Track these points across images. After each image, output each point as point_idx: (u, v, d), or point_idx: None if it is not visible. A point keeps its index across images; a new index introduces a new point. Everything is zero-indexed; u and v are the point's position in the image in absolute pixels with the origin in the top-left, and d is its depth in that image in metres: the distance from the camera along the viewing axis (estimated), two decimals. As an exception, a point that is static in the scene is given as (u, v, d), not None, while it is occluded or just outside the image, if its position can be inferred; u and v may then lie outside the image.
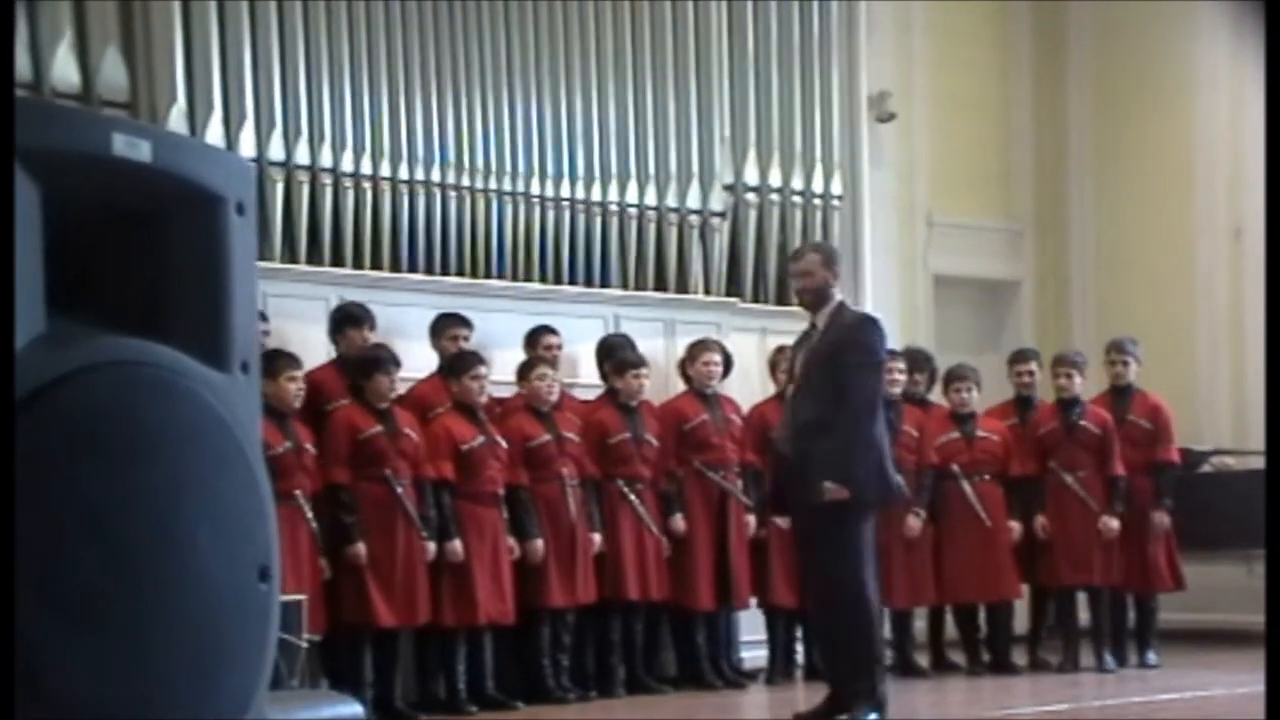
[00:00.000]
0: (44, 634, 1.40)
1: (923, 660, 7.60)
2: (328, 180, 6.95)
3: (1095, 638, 7.49)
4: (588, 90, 7.73)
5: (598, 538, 6.82)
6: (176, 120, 6.46)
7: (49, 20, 6.33)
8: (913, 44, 9.52)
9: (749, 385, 7.57)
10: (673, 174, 8.00)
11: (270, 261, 6.56)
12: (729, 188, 8.20)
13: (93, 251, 1.57)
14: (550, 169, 7.59)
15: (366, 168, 7.04)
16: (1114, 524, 7.38)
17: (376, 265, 7.04)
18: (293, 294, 6.62)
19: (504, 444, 6.62)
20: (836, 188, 8.49)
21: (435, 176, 7.23)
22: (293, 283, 6.66)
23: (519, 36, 7.53)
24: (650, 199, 7.90)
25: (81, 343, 1.49)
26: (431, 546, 6.35)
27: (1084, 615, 7.59)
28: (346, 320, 6.53)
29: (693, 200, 8.03)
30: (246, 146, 6.66)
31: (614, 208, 7.79)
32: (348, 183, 7.00)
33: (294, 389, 6.11)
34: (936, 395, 7.85)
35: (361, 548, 6.20)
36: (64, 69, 6.32)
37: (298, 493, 6.05)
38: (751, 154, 8.29)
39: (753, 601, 7.29)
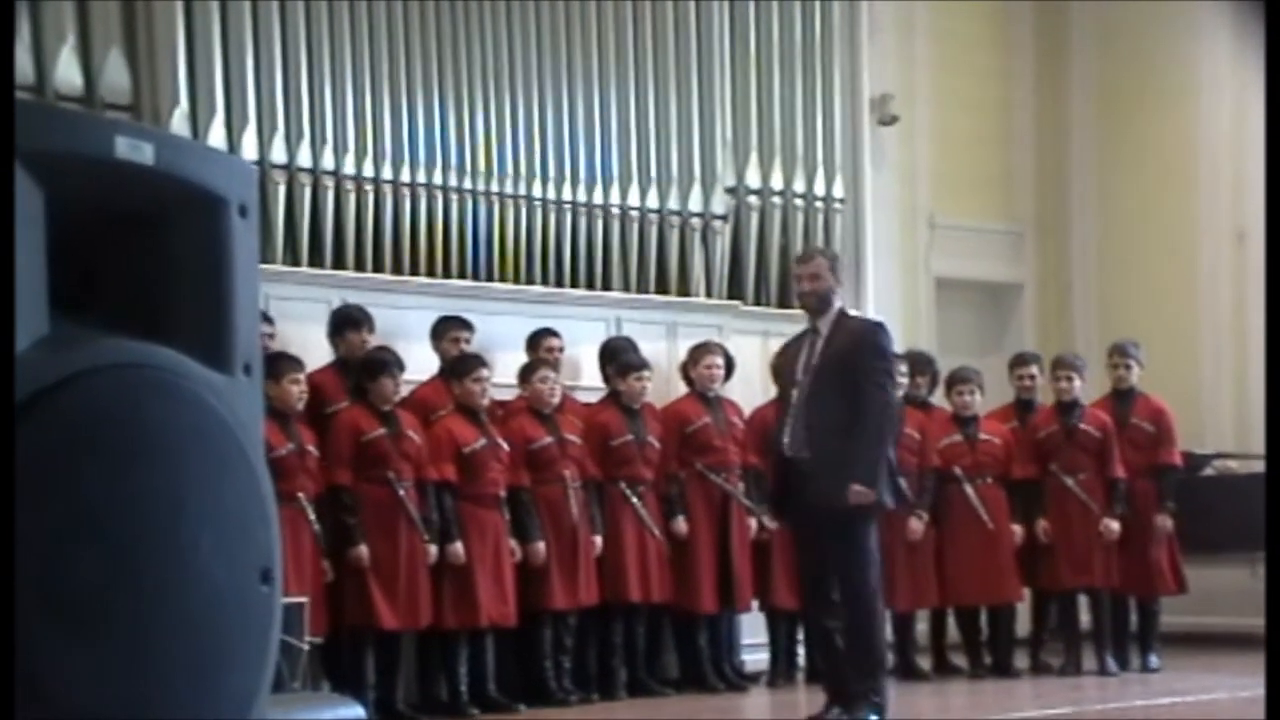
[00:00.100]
0: (44, 635, 1.40)
1: (924, 663, 7.59)
2: (329, 183, 6.95)
3: (1096, 640, 7.49)
4: (589, 93, 7.73)
5: (599, 540, 6.82)
6: (179, 123, 6.47)
7: (52, 22, 6.33)
8: (915, 46, 9.52)
9: (750, 388, 7.57)
10: (674, 176, 8.00)
11: (272, 264, 6.57)
12: (731, 190, 8.20)
13: (95, 254, 1.57)
14: (552, 171, 7.59)
15: (368, 170, 7.04)
16: (1115, 526, 7.38)
17: (378, 268, 7.05)
18: (294, 296, 6.63)
19: (506, 446, 6.62)
20: (838, 190, 8.49)
21: (437, 179, 7.24)
22: (294, 285, 6.67)
23: (521, 39, 7.53)
24: (652, 201, 7.91)
25: (84, 345, 1.49)
26: (433, 549, 6.35)
27: (1085, 618, 7.59)
28: (346, 323, 6.54)
29: (694, 203, 8.03)
30: (249, 149, 6.66)
31: (616, 210, 7.79)
32: (349, 185, 7.00)
33: (297, 391, 6.12)
34: (938, 398, 7.85)
35: (364, 550, 6.20)
36: (67, 71, 6.33)
37: (300, 495, 6.06)
38: (753, 156, 8.29)
39: (754, 604, 7.29)
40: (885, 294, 8.94)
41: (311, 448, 6.18)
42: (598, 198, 7.73)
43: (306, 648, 5.32)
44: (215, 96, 6.64)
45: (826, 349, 5.53)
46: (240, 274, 1.64)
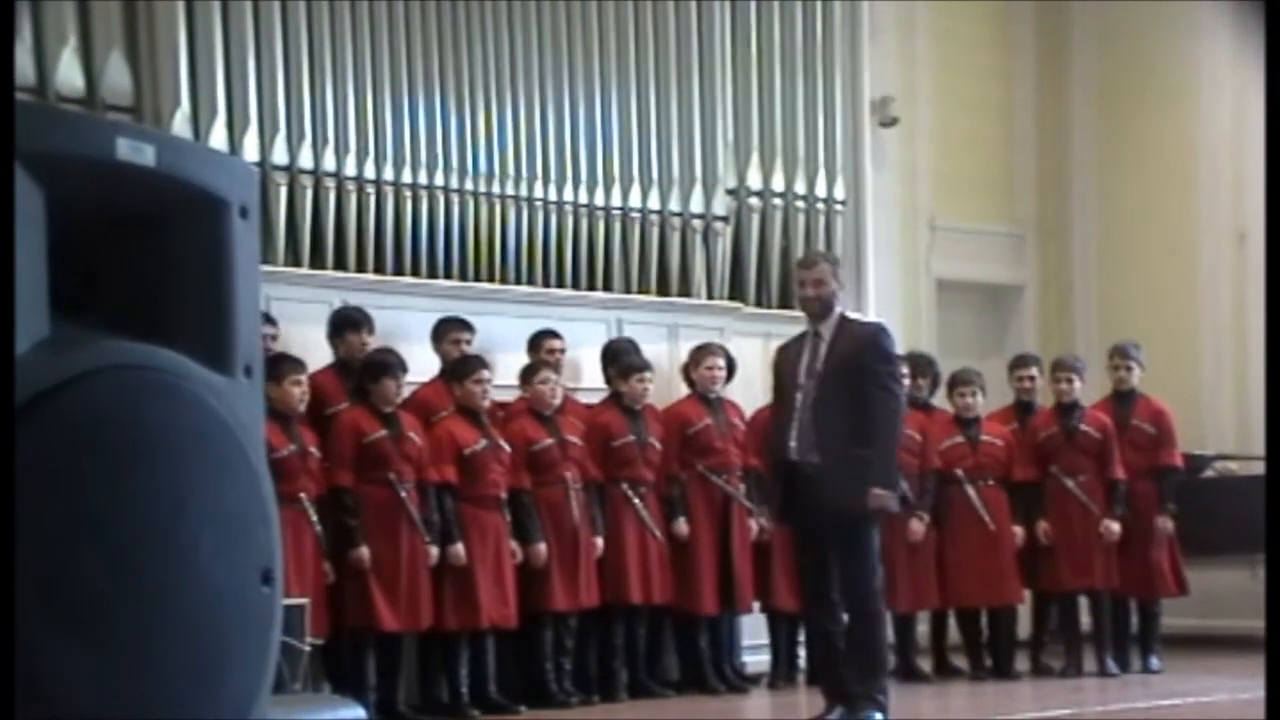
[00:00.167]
0: (45, 636, 1.40)
1: (925, 665, 7.59)
2: (331, 184, 6.96)
3: (1097, 642, 7.48)
4: (590, 94, 7.73)
5: (599, 541, 6.82)
6: (180, 124, 6.47)
7: (53, 24, 6.34)
8: (915, 47, 9.51)
9: (752, 389, 7.57)
10: (675, 178, 8.00)
11: (273, 265, 6.57)
12: (732, 192, 8.20)
13: (96, 255, 1.57)
14: (553, 173, 7.60)
15: (369, 172, 7.05)
16: (1115, 527, 7.38)
17: (379, 269, 7.05)
18: (295, 297, 6.63)
19: (507, 448, 6.63)
20: (839, 192, 8.49)
21: (438, 180, 7.24)
22: (295, 286, 6.67)
23: (521, 40, 7.54)
24: (653, 203, 7.91)
25: (85, 347, 1.50)
26: (434, 550, 6.35)
27: (1085, 620, 7.59)
28: (345, 324, 6.54)
29: (695, 204, 8.03)
30: (250, 150, 6.67)
31: (617, 212, 7.79)
32: (350, 186, 7.00)
33: (298, 393, 6.12)
34: (938, 399, 7.84)
35: (365, 551, 6.20)
36: (68, 73, 6.33)
37: (302, 495, 6.06)
38: (754, 158, 8.29)
39: (755, 605, 7.29)
40: (886, 295, 8.94)
41: (313, 449, 6.18)
42: (599, 199, 7.73)
43: (307, 649, 5.32)
44: (216, 98, 6.64)
45: (831, 353, 5.55)
46: (241, 275, 1.64)
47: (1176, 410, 7.77)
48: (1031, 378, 7.77)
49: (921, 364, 7.72)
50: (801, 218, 8.36)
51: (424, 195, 7.20)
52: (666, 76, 8.00)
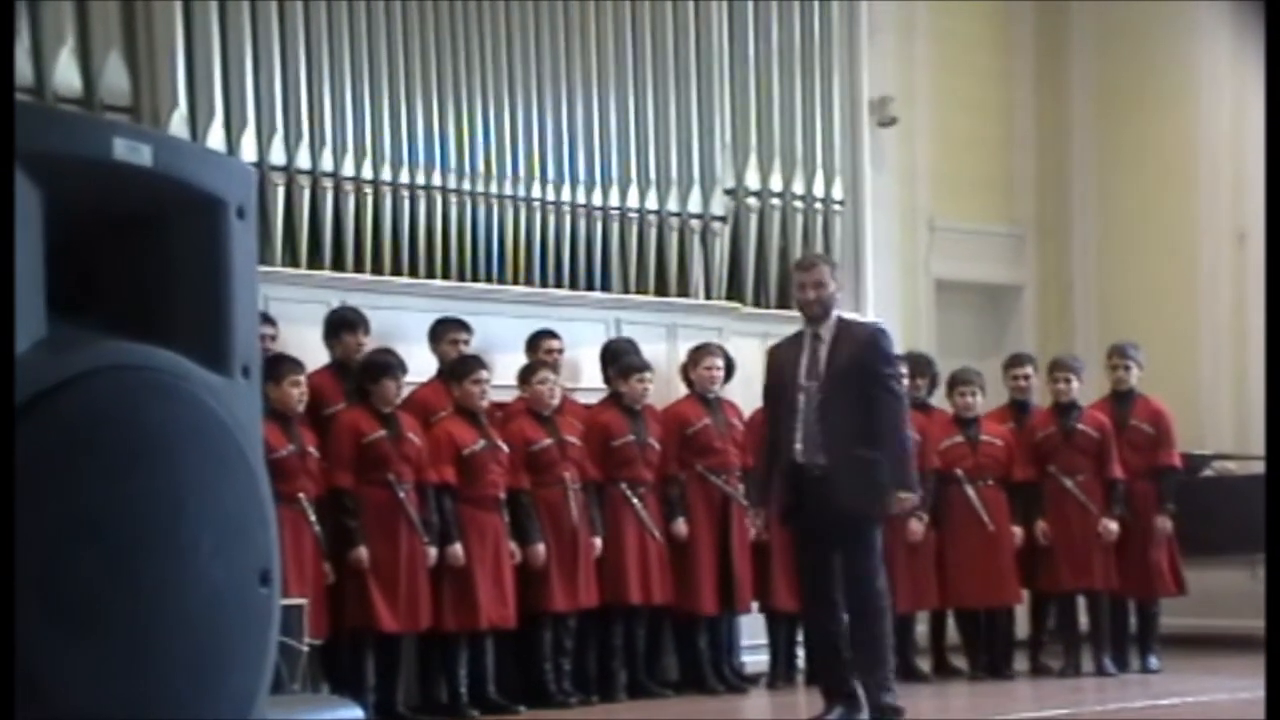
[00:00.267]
0: (43, 636, 1.40)
1: (924, 665, 7.59)
2: (329, 184, 6.96)
3: (1095, 642, 7.49)
4: (589, 94, 7.73)
5: (598, 541, 6.82)
6: (178, 125, 6.47)
7: (51, 24, 6.33)
8: (914, 47, 9.51)
9: (750, 389, 7.56)
10: (674, 178, 8.00)
11: (271, 265, 6.57)
12: (730, 192, 8.20)
13: (93, 256, 1.57)
14: (551, 173, 7.60)
15: (367, 172, 7.05)
16: (1113, 527, 7.38)
17: (377, 269, 7.05)
18: (293, 298, 6.63)
19: (505, 448, 6.62)
20: (838, 192, 8.49)
21: (436, 181, 7.24)
22: (293, 286, 6.67)
23: (520, 40, 7.53)
24: (651, 203, 7.91)
25: (82, 347, 1.49)
26: (433, 551, 6.35)
27: (1083, 620, 7.59)
28: (341, 325, 6.54)
29: (694, 204, 8.03)
30: (248, 151, 6.66)
31: (615, 212, 7.79)
32: (348, 187, 7.00)
33: (297, 394, 6.12)
34: (937, 399, 7.84)
35: (364, 552, 6.20)
36: (66, 73, 6.33)
37: (301, 496, 6.06)
38: (752, 158, 8.29)
39: (754, 605, 7.29)
40: (885, 296, 8.94)
41: (312, 449, 6.18)
42: (597, 199, 7.73)
43: (306, 649, 5.32)
44: (214, 99, 6.64)
45: (833, 355, 5.57)
46: (239, 276, 1.64)
47: (1175, 410, 7.78)
48: (1026, 376, 7.77)
49: (920, 364, 7.72)
50: (800, 218, 8.36)
51: (421, 195, 7.20)
52: (664, 76, 8.00)
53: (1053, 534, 7.45)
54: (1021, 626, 7.77)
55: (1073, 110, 10.03)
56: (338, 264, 6.97)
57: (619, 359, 7.14)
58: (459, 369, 6.63)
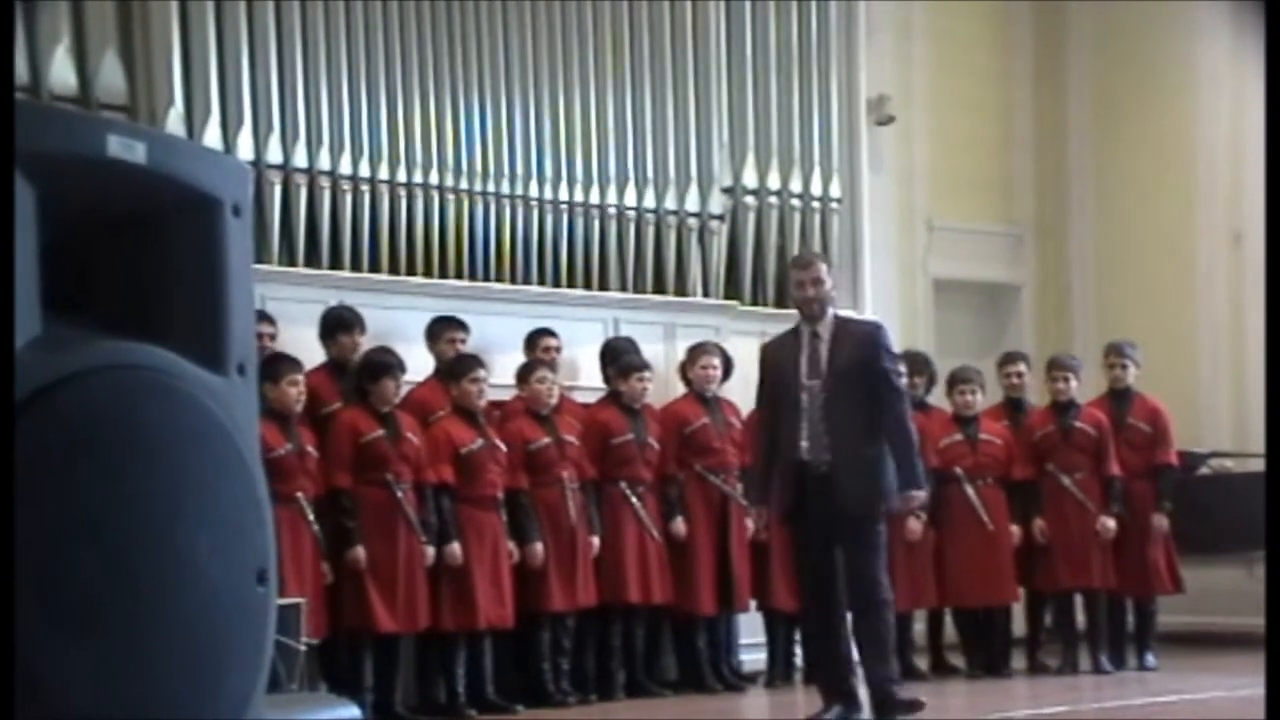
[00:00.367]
0: (41, 636, 1.40)
1: (922, 663, 7.59)
2: (326, 183, 6.95)
3: (1091, 641, 7.49)
4: (586, 93, 7.73)
5: (596, 540, 6.82)
6: (174, 123, 6.46)
7: (47, 23, 6.33)
8: (912, 47, 9.51)
9: (749, 388, 7.54)
10: (671, 177, 7.99)
11: (268, 264, 6.56)
12: (728, 191, 8.20)
13: (89, 254, 1.57)
14: (549, 172, 7.59)
15: (364, 171, 7.04)
16: (1111, 525, 7.38)
17: (375, 268, 7.04)
18: (290, 297, 6.62)
19: (503, 448, 6.62)
20: (835, 191, 8.48)
21: (434, 179, 7.23)
22: (290, 286, 6.66)
23: (517, 39, 7.53)
24: (649, 202, 7.90)
25: (78, 346, 1.49)
26: (431, 551, 6.35)
27: (1080, 618, 7.59)
28: (337, 325, 6.53)
29: (691, 203, 8.03)
30: (244, 149, 6.65)
31: (613, 211, 7.78)
32: (345, 185, 6.99)
33: (295, 393, 6.11)
34: (935, 398, 7.84)
35: (361, 552, 6.20)
36: (61, 72, 6.32)
37: (299, 495, 6.05)
38: (750, 157, 8.29)
39: (752, 605, 7.28)
40: (883, 295, 8.94)
41: (311, 449, 6.17)
42: (595, 198, 7.73)
43: (303, 649, 5.31)
44: (210, 97, 6.63)
45: (834, 354, 5.57)
46: (234, 274, 1.64)
47: (1173, 409, 7.78)
48: (1019, 374, 7.78)
49: (918, 363, 7.72)
50: (797, 217, 8.35)
51: (419, 194, 7.19)
52: (662, 75, 7.99)
53: (1051, 532, 7.45)
54: (1017, 625, 7.77)
55: (1071, 110, 10.04)
56: (335, 263, 6.96)
57: (618, 358, 7.13)
58: (457, 368, 6.62)
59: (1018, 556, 7.53)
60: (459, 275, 7.27)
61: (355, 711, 2.33)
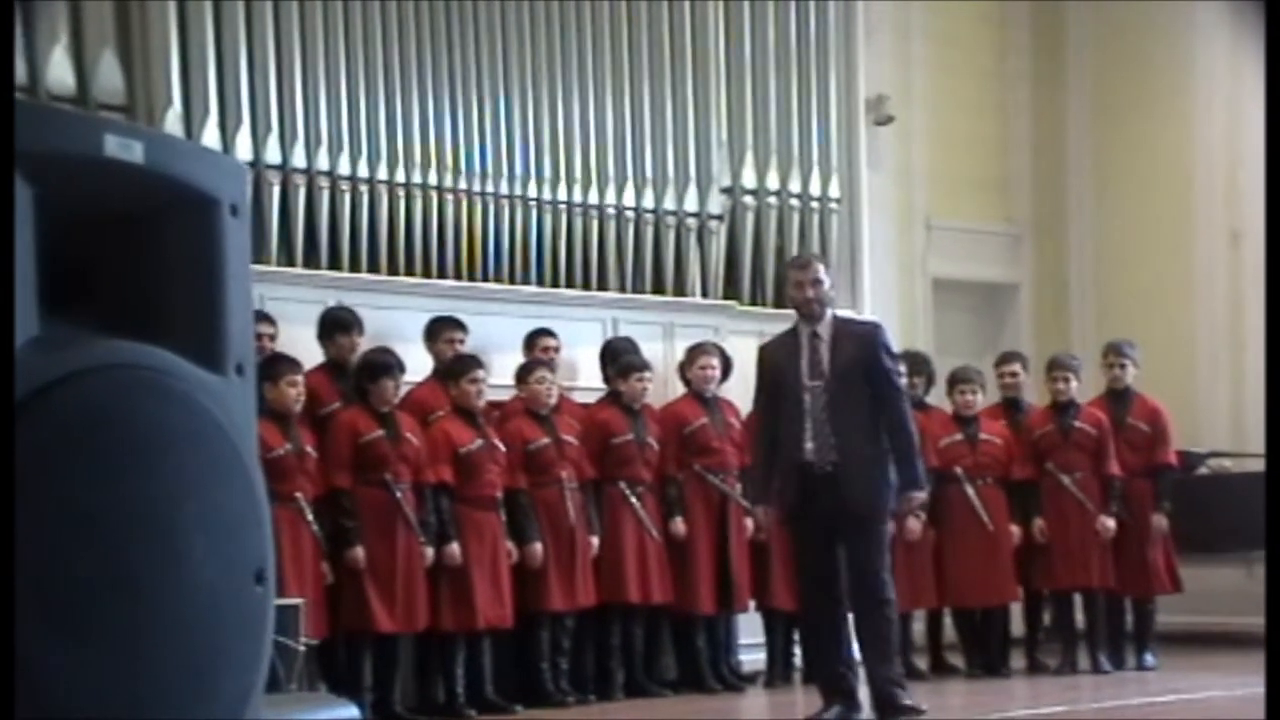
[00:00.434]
0: (38, 636, 1.40)
1: (921, 663, 7.59)
2: (324, 184, 6.94)
3: (1090, 640, 7.49)
4: (585, 93, 7.73)
5: (595, 540, 6.82)
6: (172, 124, 6.45)
7: (45, 23, 6.32)
8: (911, 47, 9.52)
9: (748, 388, 7.55)
10: (670, 177, 7.99)
11: (267, 264, 6.55)
12: (726, 190, 8.19)
13: (86, 253, 1.57)
14: (548, 172, 7.59)
15: (363, 171, 7.04)
16: (1110, 524, 7.38)
17: (373, 268, 7.04)
18: (289, 297, 6.62)
19: (502, 448, 6.62)
20: (834, 191, 8.48)
21: (432, 180, 7.23)
22: (289, 286, 6.66)
23: (516, 39, 7.53)
24: (648, 202, 7.90)
25: (75, 346, 1.49)
26: (430, 552, 6.34)
27: (1079, 618, 7.59)
28: (335, 326, 6.53)
29: (690, 203, 8.02)
30: (243, 149, 6.65)
31: (611, 211, 7.78)
32: (344, 186, 6.99)
33: (294, 394, 6.11)
34: (933, 398, 7.84)
35: (360, 552, 6.20)
36: (59, 72, 6.32)
37: (298, 495, 6.05)
38: (749, 157, 8.28)
39: (751, 605, 7.28)
40: (882, 295, 8.94)
41: (310, 449, 6.17)
42: (593, 198, 7.73)
43: (302, 649, 5.31)
44: (209, 97, 6.63)
45: (835, 354, 5.57)
46: (232, 273, 1.64)
47: (1172, 408, 7.78)
48: (1014, 374, 7.78)
49: (917, 362, 7.72)
50: (796, 217, 8.35)
51: (418, 194, 7.19)
52: (661, 75, 7.99)
53: (1050, 532, 7.45)
54: (1015, 624, 7.77)
55: (1069, 110, 10.04)
56: (334, 263, 6.96)
57: (618, 358, 7.13)
58: (456, 368, 6.62)
59: (1017, 556, 7.53)
60: (458, 275, 7.27)
61: (354, 712, 2.33)
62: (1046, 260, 10.13)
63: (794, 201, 8.34)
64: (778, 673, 7.31)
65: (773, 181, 8.30)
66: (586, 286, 7.65)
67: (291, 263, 6.82)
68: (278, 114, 6.82)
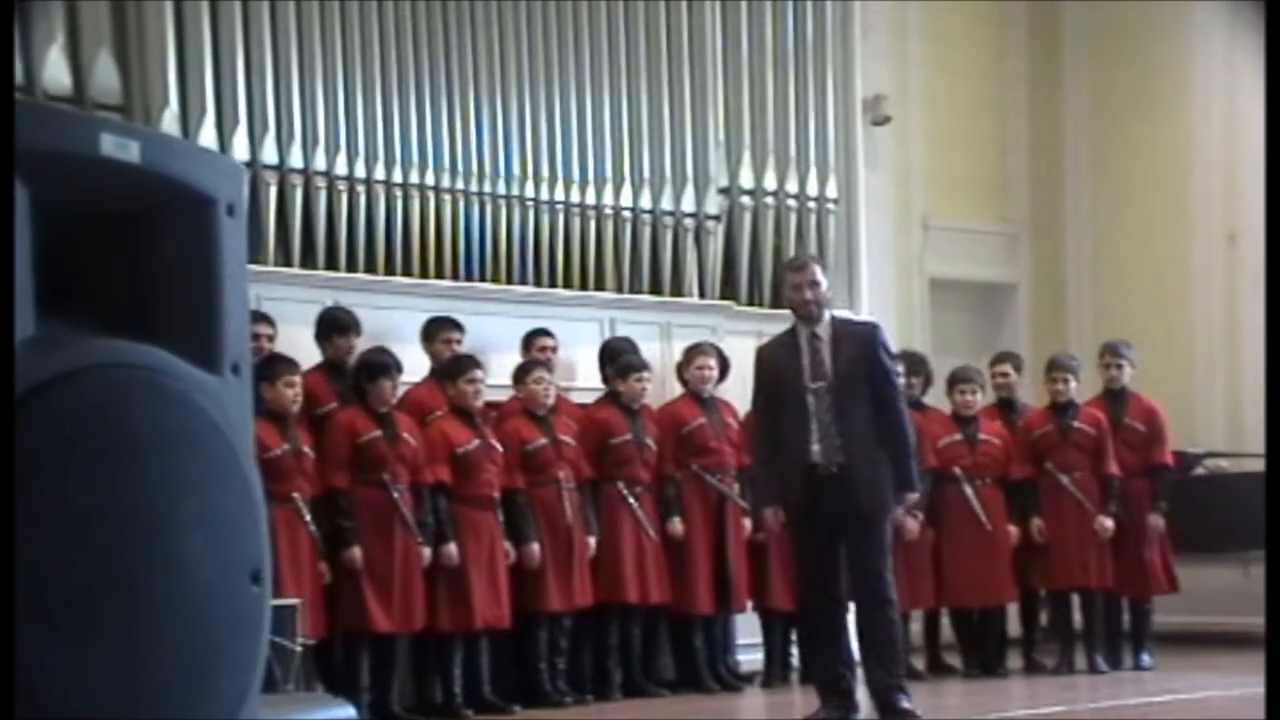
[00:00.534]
0: (34, 636, 1.40)
1: (918, 663, 7.59)
2: (321, 184, 6.94)
3: (1088, 640, 7.49)
4: (582, 93, 7.72)
5: (593, 541, 6.81)
6: (169, 123, 6.45)
7: (41, 22, 6.31)
8: (908, 47, 9.52)
9: (746, 388, 7.54)
10: (667, 177, 7.99)
11: (264, 265, 6.55)
12: (724, 191, 8.19)
13: (82, 253, 1.57)
14: (545, 172, 7.58)
15: (360, 171, 7.03)
16: (1109, 524, 7.38)
17: (370, 268, 7.03)
18: (287, 297, 6.61)
19: (500, 448, 6.61)
20: (831, 191, 8.48)
21: (429, 180, 7.22)
22: (286, 286, 6.65)
23: (513, 39, 7.52)
24: (645, 202, 7.90)
25: (71, 345, 1.49)
26: (427, 552, 6.34)
27: (1076, 618, 7.59)
28: (333, 327, 6.53)
29: (687, 203, 8.02)
30: (240, 150, 6.64)
31: (609, 211, 7.78)
32: (341, 186, 6.99)
33: (291, 394, 6.11)
34: (930, 398, 7.85)
35: (357, 552, 6.19)
36: (55, 72, 6.31)
37: (296, 496, 6.05)
38: (746, 157, 8.28)
39: (749, 605, 7.28)
40: (879, 295, 8.94)
41: (308, 449, 6.17)
42: (591, 198, 7.72)
43: (299, 649, 5.31)
44: (206, 97, 6.62)
45: (836, 355, 5.57)
46: (229, 273, 1.64)
47: (1169, 409, 7.78)
48: (1005, 374, 7.78)
49: (915, 363, 7.72)
50: (794, 217, 8.35)
51: (415, 195, 7.18)
52: (658, 75, 7.99)
53: (1048, 532, 7.46)
54: (1012, 624, 7.77)
55: (1066, 110, 10.04)
56: (331, 264, 6.95)
57: (617, 358, 7.13)
58: (453, 369, 6.62)
59: (1015, 556, 7.53)
60: (455, 275, 7.26)
61: (351, 712, 2.33)
62: (1044, 260, 10.13)
63: (791, 202, 8.34)
64: (775, 673, 7.31)
65: (770, 181, 8.30)
66: (584, 287, 7.65)
67: (288, 263, 6.82)
68: (274, 114, 6.82)
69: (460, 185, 7.31)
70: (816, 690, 5.77)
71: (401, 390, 6.56)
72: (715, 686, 7.07)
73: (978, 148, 9.85)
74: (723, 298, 8.09)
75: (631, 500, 6.93)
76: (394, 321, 6.87)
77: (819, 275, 5.68)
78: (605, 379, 7.18)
